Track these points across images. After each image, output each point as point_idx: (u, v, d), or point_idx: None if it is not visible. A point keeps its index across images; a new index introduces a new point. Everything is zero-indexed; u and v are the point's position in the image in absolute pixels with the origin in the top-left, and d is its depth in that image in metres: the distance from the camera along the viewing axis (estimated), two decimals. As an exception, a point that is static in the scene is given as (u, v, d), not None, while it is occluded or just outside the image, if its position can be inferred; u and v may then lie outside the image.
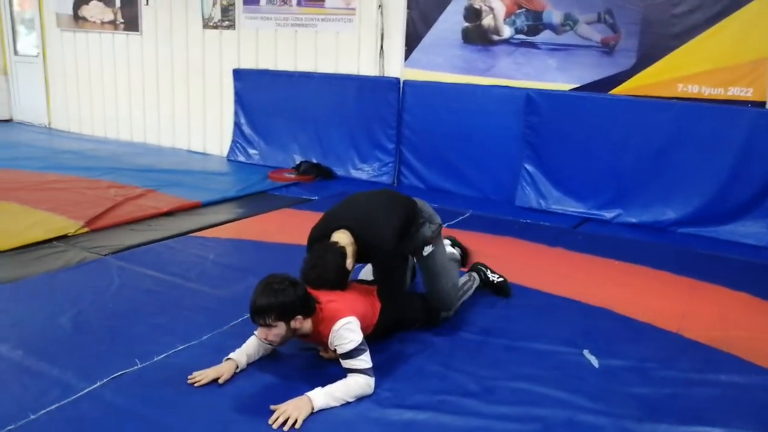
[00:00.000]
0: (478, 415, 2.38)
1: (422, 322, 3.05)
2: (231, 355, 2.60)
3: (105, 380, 2.48)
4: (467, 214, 5.32)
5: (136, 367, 2.59)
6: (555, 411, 2.43)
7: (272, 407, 2.31)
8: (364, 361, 2.48)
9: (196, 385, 2.48)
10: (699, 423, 2.39)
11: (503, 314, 3.32)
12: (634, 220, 5.23)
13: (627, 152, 5.23)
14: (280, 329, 2.43)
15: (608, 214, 5.33)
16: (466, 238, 4.64)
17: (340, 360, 2.50)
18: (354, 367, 2.46)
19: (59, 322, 2.98)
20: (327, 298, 2.58)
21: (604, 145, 5.30)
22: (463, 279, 3.36)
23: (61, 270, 3.70)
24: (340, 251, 2.68)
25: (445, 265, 3.11)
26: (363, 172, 6.51)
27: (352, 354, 2.46)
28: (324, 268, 2.64)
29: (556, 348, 2.95)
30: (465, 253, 3.71)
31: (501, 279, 3.53)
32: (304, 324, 2.48)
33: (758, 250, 4.74)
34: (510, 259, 4.18)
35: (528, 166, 5.65)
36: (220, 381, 2.50)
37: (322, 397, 2.36)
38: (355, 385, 2.43)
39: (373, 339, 2.73)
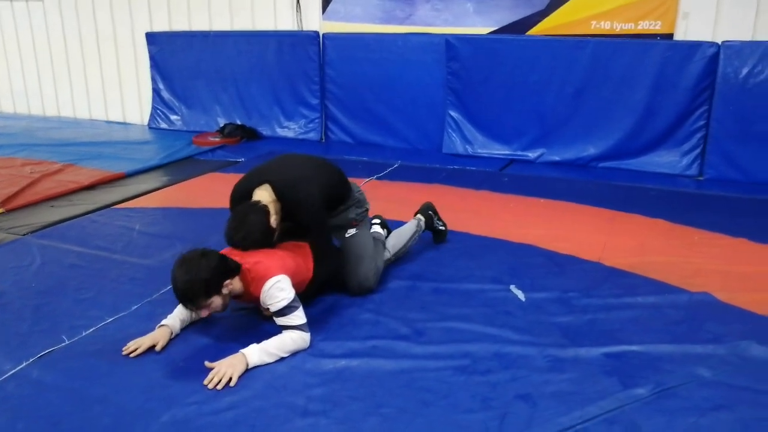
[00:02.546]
0: (409, 356, 2.45)
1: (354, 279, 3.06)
2: (164, 322, 2.58)
3: (31, 360, 2.42)
4: (395, 165, 5.36)
5: (63, 344, 2.54)
6: (483, 345, 2.52)
7: (207, 364, 2.32)
8: (298, 317, 2.50)
9: (132, 355, 2.45)
10: (617, 343, 2.53)
11: (432, 258, 3.40)
12: (557, 159, 5.38)
13: (547, 92, 5.34)
14: (215, 302, 2.43)
15: (532, 155, 5.46)
16: (394, 188, 4.72)
17: (274, 318, 2.51)
18: (288, 324, 2.48)
19: (-22, 306, 2.88)
20: (255, 259, 2.57)
21: (525, 86, 5.39)
22: (411, 228, 3.38)
23: (-24, 253, 3.55)
24: (263, 209, 2.66)
25: (368, 248, 3.00)
26: (289, 130, 6.44)
27: (284, 311, 2.48)
28: (248, 229, 2.61)
29: (483, 287, 3.05)
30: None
31: (443, 227, 3.58)
32: (234, 284, 2.48)
33: (673, 178, 4.99)
34: (438, 206, 4.24)
35: (452, 113, 5.70)
36: (157, 348, 2.49)
37: (256, 353, 2.38)
38: (290, 340, 2.46)
39: (308, 295, 2.76)
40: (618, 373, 2.33)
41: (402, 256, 3.33)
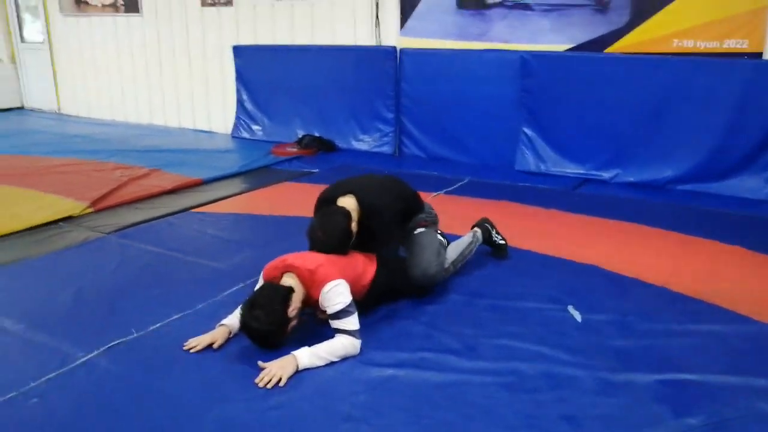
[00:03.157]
0: (456, 370, 2.46)
1: (415, 290, 3.12)
2: (224, 321, 2.71)
3: (102, 349, 2.60)
4: (465, 181, 5.37)
5: (131, 336, 2.71)
6: (533, 364, 2.50)
7: (260, 364, 2.41)
8: (352, 323, 2.57)
9: (191, 351, 2.59)
10: (673, 370, 2.45)
11: (491, 275, 3.39)
12: (632, 179, 5.24)
13: (624, 111, 5.22)
14: (291, 325, 2.57)
15: (607, 174, 5.34)
16: (463, 203, 4.72)
17: (329, 321, 2.59)
18: (342, 327, 2.56)
19: (60, 298, 3.11)
20: (318, 263, 2.65)
21: (601, 104, 5.29)
22: (467, 240, 3.42)
23: (64, 249, 3.83)
24: (345, 213, 2.84)
25: (434, 242, 3.13)
26: (364, 143, 6.56)
27: (340, 315, 2.55)
28: (330, 227, 2.78)
29: (540, 306, 3.02)
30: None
31: (503, 242, 3.59)
32: (294, 303, 2.56)
33: (755, 204, 4.75)
34: (503, 222, 4.21)
35: (526, 130, 5.66)
36: (215, 346, 2.61)
37: (307, 356, 2.46)
38: (340, 345, 2.53)
39: (367, 304, 2.83)
40: (670, 401, 2.26)
41: (461, 270, 3.35)
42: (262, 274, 2.77)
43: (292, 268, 2.65)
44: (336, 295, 2.56)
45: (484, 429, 2.12)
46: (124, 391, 2.34)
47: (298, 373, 2.42)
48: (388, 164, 6.09)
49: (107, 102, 8.83)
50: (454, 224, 3.90)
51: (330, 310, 2.57)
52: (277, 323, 2.50)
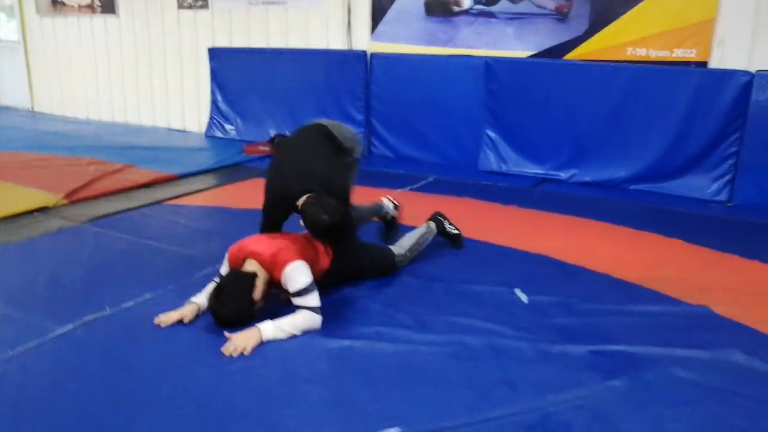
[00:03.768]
0: (409, 342, 2.68)
1: (378, 273, 3.33)
2: (192, 299, 2.88)
3: (77, 323, 2.77)
4: (430, 179, 5.60)
5: (106, 313, 2.88)
6: (479, 338, 2.72)
7: (226, 334, 2.60)
8: (313, 300, 2.77)
9: (161, 325, 2.76)
10: (605, 343, 2.69)
11: (448, 263, 3.61)
12: (588, 179, 5.52)
13: (581, 115, 5.49)
14: (256, 308, 2.75)
15: (564, 174, 5.61)
16: (427, 200, 4.95)
17: (292, 298, 2.78)
18: (304, 304, 2.75)
19: (36, 280, 3.26)
20: (278, 247, 2.85)
21: (560, 108, 5.56)
22: (422, 230, 3.65)
23: (40, 236, 3.97)
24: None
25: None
26: (335, 143, 6.75)
27: (301, 293, 2.75)
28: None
29: (492, 289, 3.24)
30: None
31: (457, 232, 3.82)
32: (259, 288, 2.75)
33: (702, 203, 5.04)
34: (464, 217, 4.45)
35: (489, 132, 5.91)
36: (185, 321, 2.79)
37: (270, 329, 2.65)
38: (302, 319, 2.72)
39: (327, 285, 3.03)
40: (599, 368, 2.50)
41: (418, 258, 3.57)
42: (226, 257, 2.95)
43: (254, 254, 2.82)
44: (297, 274, 2.76)
45: (430, 390, 2.33)
46: (97, 359, 2.52)
47: (262, 344, 2.61)
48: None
49: (82, 101, 8.92)
50: (417, 218, 4.11)
51: (292, 289, 2.76)
52: (243, 308, 2.70)
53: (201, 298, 2.89)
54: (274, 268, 2.80)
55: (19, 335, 2.66)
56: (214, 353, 2.55)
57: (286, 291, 2.82)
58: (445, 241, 3.84)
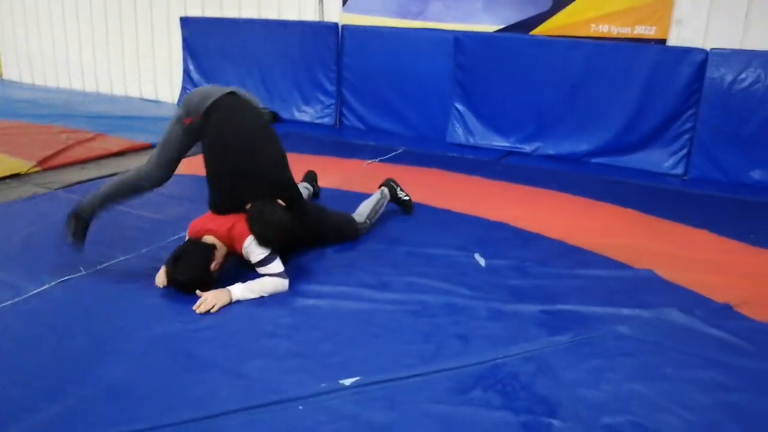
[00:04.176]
0: (370, 300, 2.85)
1: (339, 238, 3.48)
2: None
3: (53, 283, 2.88)
4: (399, 150, 5.74)
5: (80, 274, 3.00)
6: (437, 297, 2.90)
7: (198, 293, 2.74)
8: (276, 266, 2.90)
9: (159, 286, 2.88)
10: (555, 303, 2.89)
11: (410, 228, 3.78)
12: (552, 152, 5.70)
13: (546, 89, 5.65)
14: (213, 275, 2.84)
15: (529, 148, 5.79)
16: (394, 170, 5.09)
17: (257, 269, 2.91)
18: (268, 272, 2.89)
19: (10, 242, 3.36)
20: (232, 222, 2.93)
21: (526, 83, 5.71)
22: (376, 196, 3.79)
23: (13, 202, 4.04)
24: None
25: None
26: (306, 114, 6.86)
27: (263, 262, 2.88)
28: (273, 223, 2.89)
29: (450, 252, 3.42)
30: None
31: (407, 197, 3.97)
32: (218, 258, 2.86)
33: (659, 176, 5.26)
34: (430, 186, 4.64)
35: (458, 105, 6.05)
36: (159, 285, 2.89)
37: (240, 290, 2.80)
38: (270, 282, 2.87)
39: (290, 249, 3.17)
40: (547, 325, 2.69)
41: (380, 223, 3.73)
42: (187, 233, 3.04)
43: (210, 231, 2.92)
44: (255, 246, 2.87)
45: (387, 344, 2.50)
46: (73, 315, 2.64)
47: (233, 304, 2.75)
48: (329, 133, 6.43)
49: (51, 68, 8.85)
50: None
51: (254, 260, 2.88)
52: (199, 276, 2.78)
53: None
54: (233, 242, 2.91)
55: (-4, 294, 2.77)
56: (184, 309, 2.69)
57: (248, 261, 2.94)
58: (400, 211, 3.99)
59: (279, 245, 2.94)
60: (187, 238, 3.02)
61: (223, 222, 2.95)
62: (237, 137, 2.99)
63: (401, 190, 3.98)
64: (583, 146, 5.60)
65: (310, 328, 2.60)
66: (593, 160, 5.58)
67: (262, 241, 2.86)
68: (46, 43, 8.79)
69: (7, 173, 4.58)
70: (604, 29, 5.45)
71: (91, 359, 2.33)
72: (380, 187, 3.94)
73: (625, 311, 2.84)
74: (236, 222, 2.94)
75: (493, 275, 3.18)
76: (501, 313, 2.79)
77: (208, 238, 2.91)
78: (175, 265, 2.79)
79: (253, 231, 2.87)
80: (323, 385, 2.22)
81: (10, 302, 2.71)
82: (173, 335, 2.50)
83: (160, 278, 2.91)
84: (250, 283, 2.84)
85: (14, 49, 9.14)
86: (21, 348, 2.41)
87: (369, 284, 3.00)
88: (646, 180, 5.13)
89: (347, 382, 2.24)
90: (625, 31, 5.38)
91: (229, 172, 3.01)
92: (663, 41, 5.25)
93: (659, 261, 3.42)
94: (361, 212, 3.61)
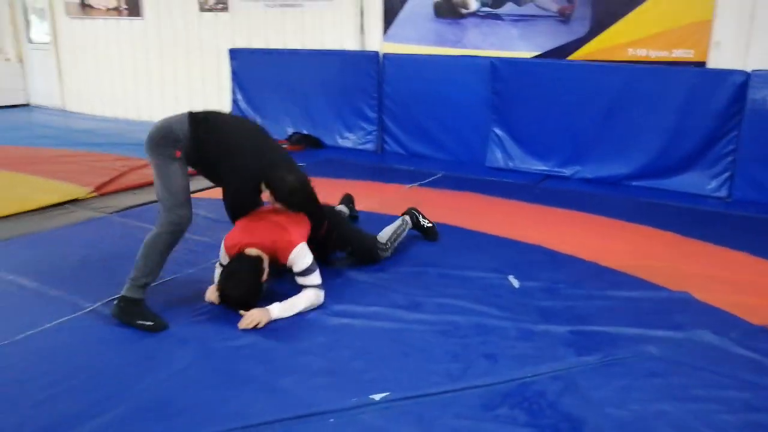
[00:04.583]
0: (401, 320, 2.94)
1: (362, 253, 3.59)
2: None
3: (105, 301, 3.08)
4: (439, 175, 5.84)
5: (130, 293, 3.18)
6: (467, 317, 2.98)
7: (241, 312, 2.89)
8: (316, 278, 3.04)
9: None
10: (584, 324, 2.92)
11: (444, 251, 3.87)
12: (590, 176, 5.71)
13: (584, 114, 5.68)
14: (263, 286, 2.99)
15: (567, 171, 5.81)
16: (434, 194, 5.20)
17: (296, 278, 3.04)
18: (307, 283, 3.02)
19: (68, 263, 3.59)
20: (274, 233, 3.03)
21: (564, 107, 5.76)
22: (397, 222, 3.88)
23: (71, 225, 4.30)
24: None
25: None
26: (349, 140, 7.04)
27: (305, 273, 3.02)
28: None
29: (483, 274, 3.49)
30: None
31: (430, 224, 4.05)
32: (265, 267, 2.99)
33: (701, 199, 5.21)
34: (466, 210, 4.72)
35: (496, 129, 6.14)
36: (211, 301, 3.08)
37: (278, 309, 2.93)
38: (306, 298, 3.00)
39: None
40: (576, 345, 2.73)
41: (409, 247, 3.86)
42: (222, 249, 3.14)
43: (253, 244, 3.01)
44: (302, 257, 3.01)
45: (417, 362, 2.59)
46: (122, 331, 2.82)
47: (272, 323, 2.89)
48: (370, 159, 6.58)
49: (109, 100, 9.31)
50: (423, 210, 4.36)
51: (297, 269, 3.02)
52: (252, 289, 2.93)
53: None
54: (277, 252, 3.03)
55: (55, 311, 2.97)
56: (225, 329, 2.84)
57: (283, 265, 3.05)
58: (444, 232, 4.08)
59: (314, 202, 3.14)
60: (225, 254, 3.12)
61: (264, 234, 3.04)
62: (232, 129, 3.17)
63: (424, 217, 4.06)
64: (622, 169, 5.60)
65: (343, 347, 2.70)
66: (633, 183, 5.56)
67: (296, 208, 3.08)
68: (104, 77, 9.26)
69: (67, 199, 4.87)
70: (641, 53, 5.48)
71: (137, 371, 2.49)
72: (403, 214, 4.03)
73: (657, 332, 2.86)
74: (278, 233, 3.04)
75: (524, 296, 3.23)
76: (530, 333, 2.84)
77: (252, 251, 3.01)
78: (227, 282, 2.90)
79: (286, 203, 3.04)
80: (354, 399, 2.32)
81: (65, 319, 2.91)
82: (214, 352, 2.64)
83: (212, 295, 3.06)
84: (287, 302, 2.97)
85: (75, 83, 9.66)
86: (74, 360, 2.59)
87: (401, 305, 3.10)
88: (687, 202, 5.09)
89: (377, 397, 2.33)
90: (663, 55, 5.39)
91: (236, 165, 3.08)
92: (702, 64, 5.24)
93: (695, 283, 3.42)
94: (383, 236, 3.72)
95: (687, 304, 3.18)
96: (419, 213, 4.07)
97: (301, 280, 3.03)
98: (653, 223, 4.49)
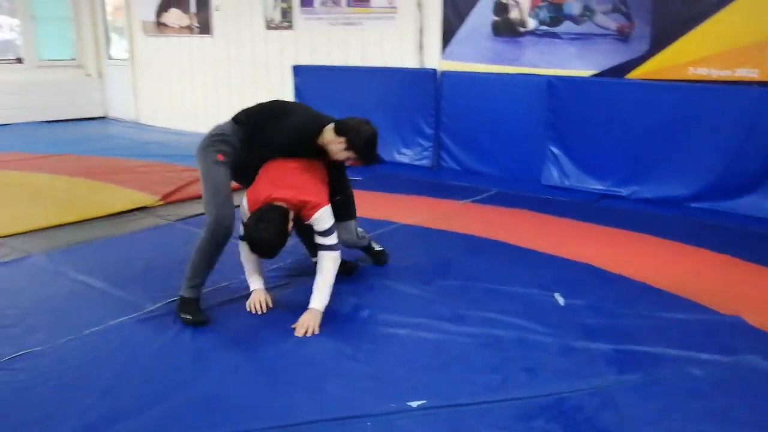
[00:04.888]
0: (445, 332, 3.01)
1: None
2: (254, 286, 3.29)
3: (165, 302, 3.28)
4: (493, 191, 5.88)
5: (190, 295, 3.37)
6: (510, 332, 3.02)
7: (292, 326, 3.01)
8: (334, 238, 3.11)
9: (260, 312, 3.20)
10: (628, 343, 2.92)
11: (491, 266, 3.91)
12: (648, 196, 5.62)
13: (643, 132, 5.61)
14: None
15: (625, 191, 5.75)
16: (487, 210, 5.25)
17: (316, 236, 3.11)
18: (327, 242, 3.08)
19: (133, 266, 3.82)
20: (302, 191, 3.08)
21: (622, 126, 5.71)
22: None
23: (139, 232, 4.57)
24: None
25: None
26: (406, 156, 7.15)
27: (326, 233, 3.09)
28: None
29: (529, 291, 3.52)
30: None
31: (381, 248, 3.95)
32: (291, 219, 3.03)
33: (757, 221, 5.05)
34: (518, 226, 4.75)
35: (552, 147, 6.13)
36: (270, 306, 3.23)
37: (319, 301, 3.05)
38: (328, 270, 3.06)
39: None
40: (617, 363, 2.74)
41: (460, 258, 3.93)
42: (245, 205, 3.13)
43: (281, 200, 3.01)
44: (326, 218, 3.08)
45: (458, 372, 2.66)
46: (179, 330, 3.00)
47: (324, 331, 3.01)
48: (426, 175, 6.68)
49: (180, 113, 9.76)
50: (474, 226, 4.46)
51: (319, 229, 3.08)
52: (281, 236, 2.91)
53: (259, 283, 3.31)
54: (302, 210, 3.06)
55: (121, 310, 3.19)
56: (274, 332, 2.98)
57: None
58: (493, 248, 4.13)
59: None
60: (247, 212, 3.09)
61: (290, 191, 3.04)
62: (277, 102, 3.46)
63: (376, 242, 3.97)
64: (681, 190, 5.49)
65: (387, 354, 2.80)
66: (693, 205, 5.44)
67: (369, 159, 3.28)
68: (175, 92, 9.72)
69: (136, 206, 5.16)
70: (702, 72, 5.38)
71: (191, 369, 2.66)
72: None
73: (703, 355, 2.82)
74: (306, 193, 3.07)
75: (569, 313, 3.25)
76: (572, 349, 2.87)
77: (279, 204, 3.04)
78: (257, 224, 2.87)
79: (361, 152, 3.21)
80: (392, 405, 2.41)
81: (128, 317, 3.12)
82: (263, 355, 2.79)
83: (256, 305, 3.22)
84: (319, 289, 3.06)
85: (149, 95, 10.18)
86: (134, 356, 2.78)
87: (445, 317, 3.17)
88: (751, 225, 4.95)
89: (414, 404, 2.41)
90: (725, 74, 5.29)
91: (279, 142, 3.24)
92: (767, 83, 5.12)
93: (750, 307, 3.35)
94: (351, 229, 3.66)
95: (738, 328, 3.12)
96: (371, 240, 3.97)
97: (321, 240, 3.09)
98: (710, 245, 4.40)
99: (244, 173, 3.36)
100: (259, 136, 3.27)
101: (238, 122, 3.33)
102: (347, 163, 3.46)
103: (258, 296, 3.27)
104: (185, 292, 3.16)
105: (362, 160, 3.29)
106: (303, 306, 3.10)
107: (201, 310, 3.14)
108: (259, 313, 3.20)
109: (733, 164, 5.25)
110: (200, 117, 9.47)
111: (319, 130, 3.26)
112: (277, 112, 3.37)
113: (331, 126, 3.27)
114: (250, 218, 2.98)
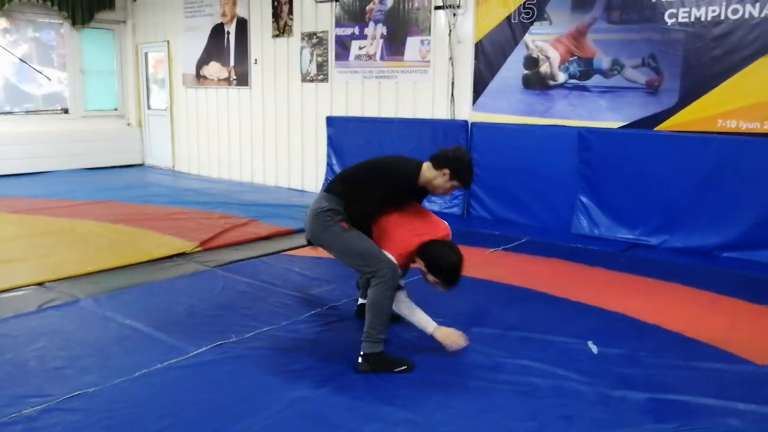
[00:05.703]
0: (483, 380, 3.06)
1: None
2: (433, 325, 3.32)
3: (208, 347, 3.37)
4: (524, 240, 5.95)
5: (231, 340, 3.48)
6: (546, 380, 3.06)
7: (442, 343, 3.27)
8: None
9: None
10: (665, 392, 2.94)
11: (527, 315, 3.96)
12: (679, 245, 5.65)
13: (672, 183, 5.69)
14: None
15: (655, 240, 5.78)
16: (517, 259, 5.31)
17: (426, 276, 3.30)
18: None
19: (176, 311, 3.94)
20: (437, 222, 3.56)
21: (652, 176, 5.78)
22: None
23: (179, 277, 4.71)
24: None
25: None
26: (436, 204, 7.27)
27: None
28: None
29: (565, 339, 3.56)
30: None
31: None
32: None
33: (793, 272, 5.05)
34: (550, 275, 4.80)
35: (582, 197, 6.21)
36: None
37: (433, 323, 3.30)
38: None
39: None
40: (654, 412, 2.76)
41: (499, 311, 3.96)
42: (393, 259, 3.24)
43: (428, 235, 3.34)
44: None
45: (495, 419, 2.70)
46: (223, 374, 3.09)
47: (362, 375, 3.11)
48: (456, 223, 6.72)
49: (215, 161, 10.05)
50: (506, 274, 4.52)
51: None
52: None
53: (427, 320, 3.35)
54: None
55: (165, 353, 3.29)
56: (315, 376, 3.06)
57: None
58: (527, 296, 4.18)
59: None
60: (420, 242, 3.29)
61: (431, 230, 3.40)
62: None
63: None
64: (712, 240, 5.51)
65: (425, 399, 2.86)
66: (724, 254, 5.46)
67: (468, 183, 3.51)
68: (211, 142, 10.04)
69: (175, 252, 5.33)
70: (731, 125, 5.46)
71: (236, 411, 2.74)
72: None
73: (740, 405, 2.84)
74: (437, 226, 3.49)
75: (605, 362, 3.28)
76: (608, 398, 2.90)
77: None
78: (453, 250, 3.27)
79: (465, 182, 3.48)
80: (432, 450, 2.46)
81: (174, 361, 3.22)
82: (305, 397, 2.86)
83: (458, 339, 3.31)
84: (420, 316, 3.31)
85: (186, 144, 10.51)
86: (182, 397, 2.87)
87: (483, 365, 3.22)
88: (783, 276, 4.95)
89: (454, 449, 2.46)
90: (754, 126, 5.36)
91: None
92: (795, 137, 5.18)
93: (786, 359, 3.35)
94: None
95: (775, 380, 3.13)
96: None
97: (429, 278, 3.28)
98: (744, 295, 4.41)
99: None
100: (361, 198, 3.34)
101: (335, 192, 3.40)
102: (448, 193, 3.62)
103: (450, 330, 3.34)
104: (376, 347, 3.14)
105: (466, 184, 3.45)
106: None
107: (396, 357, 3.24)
108: (464, 345, 3.31)
109: (764, 214, 5.27)
110: (235, 165, 9.76)
111: (418, 173, 3.41)
112: (371, 174, 3.45)
113: (427, 164, 3.44)
114: (443, 245, 3.27)
